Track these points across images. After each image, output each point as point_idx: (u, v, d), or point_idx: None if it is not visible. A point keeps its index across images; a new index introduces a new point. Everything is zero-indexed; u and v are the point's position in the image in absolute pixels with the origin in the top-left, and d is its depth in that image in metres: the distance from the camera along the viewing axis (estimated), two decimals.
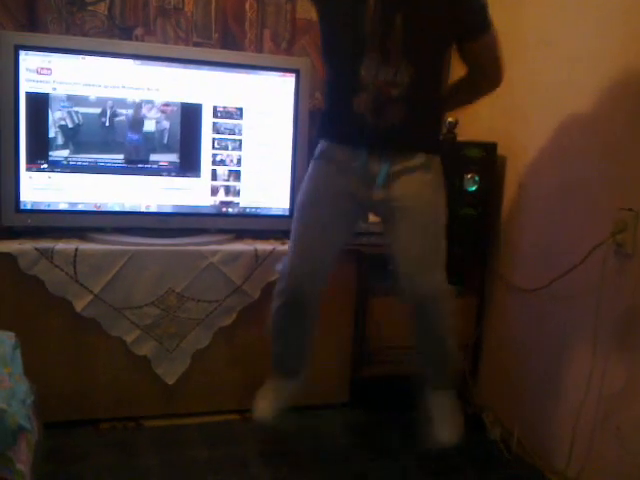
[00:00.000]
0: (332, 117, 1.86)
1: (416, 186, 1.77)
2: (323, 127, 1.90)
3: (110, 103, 2.14)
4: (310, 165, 1.88)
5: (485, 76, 1.86)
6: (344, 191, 1.79)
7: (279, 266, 1.96)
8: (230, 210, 2.33)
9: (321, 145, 1.85)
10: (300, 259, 1.86)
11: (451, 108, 2.05)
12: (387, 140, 1.73)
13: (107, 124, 2.15)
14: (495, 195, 2.38)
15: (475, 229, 2.37)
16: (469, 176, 2.32)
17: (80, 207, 2.18)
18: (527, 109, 2.20)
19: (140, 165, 2.20)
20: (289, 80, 2.30)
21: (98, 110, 2.13)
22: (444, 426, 1.91)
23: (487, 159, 2.33)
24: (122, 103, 2.15)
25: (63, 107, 2.10)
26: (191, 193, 2.27)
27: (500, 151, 2.34)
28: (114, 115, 2.15)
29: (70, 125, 2.11)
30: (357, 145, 1.75)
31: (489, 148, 2.33)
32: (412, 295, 1.82)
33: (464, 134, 2.41)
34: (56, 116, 2.09)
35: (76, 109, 2.11)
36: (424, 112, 1.78)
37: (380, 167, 1.74)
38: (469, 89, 1.94)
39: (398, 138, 1.73)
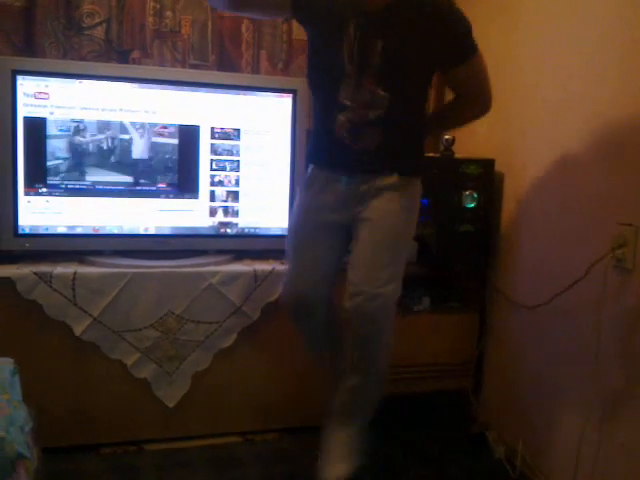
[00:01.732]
0: (316, 140, 1.93)
1: (383, 203, 1.79)
2: (309, 150, 1.97)
3: (108, 126, 2.14)
4: (298, 190, 1.97)
5: (472, 101, 1.88)
6: (326, 207, 1.85)
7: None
8: (229, 231, 2.33)
9: (309, 171, 1.92)
10: (295, 273, 1.94)
11: (438, 132, 2.09)
12: (362, 162, 1.77)
13: (105, 147, 2.15)
14: (494, 211, 2.38)
15: (474, 246, 2.37)
16: (467, 193, 2.33)
17: (78, 230, 2.17)
18: (524, 125, 2.20)
19: (138, 187, 2.20)
20: (286, 100, 2.31)
21: (96, 133, 2.13)
22: (338, 464, 1.86)
23: (485, 176, 2.34)
24: (120, 126, 2.15)
25: (61, 131, 2.10)
26: (190, 214, 2.27)
27: (498, 167, 2.35)
28: (112, 138, 2.15)
29: (68, 149, 2.11)
30: (336, 168, 1.82)
31: (487, 165, 2.34)
32: (355, 306, 1.75)
33: (461, 151, 2.42)
34: (54, 140, 2.10)
35: (74, 133, 2.11)
36: (401, 135, 1.80)
37: (355, 187, 1.80)
38: (457, 114, 1.97)
39: (373, 159, 1.78)
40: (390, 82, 1.69)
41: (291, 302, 1.96)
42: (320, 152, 1.90)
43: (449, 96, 1.99)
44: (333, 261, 1.92)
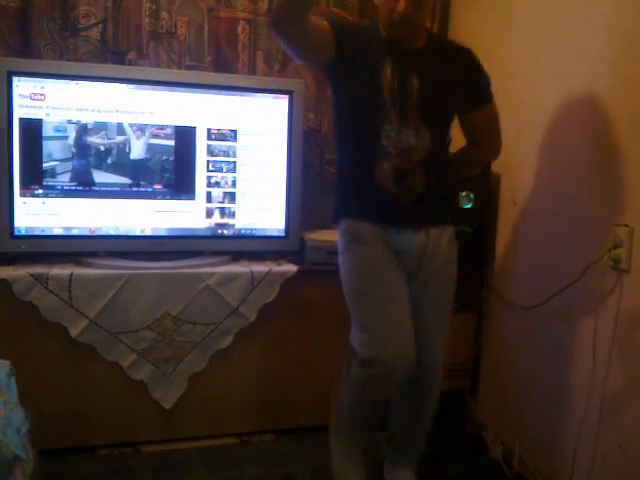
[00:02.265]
0: (353, 194, 1.83)
1: (440, 262, 1.82)
2: (340, 203, 1.86)
3: (104, 127, 2.14)
4: (344, 254, 1.82)
5: (484, 145, 1.96)
6: (385, 257, 1.77)
7: (355, 344, 1.79)
8: (225, 232, 2.32)
9: (345, 225, 1.82)
10: (385, 324, 1.74)
11: (455, 179, 2.02)
12: (409, 212, 1.76)
13: (101, 148, 2.15)
14: (490, 212, 2.38)
15: (471, 246, 2.36)
16: (464, 194, 2.33)
17: (75, 232, 2.17)
18: (520, 126, 2.20)
19: (135, 188, 2.19)
20: (282, 101, 2.31)
21: (92, 135, 2.13)
22: None
23: (481, 177, 2.34)
24: (116, 127, 2.15)
25: (57, 132, 2.10)
26: (186, 215, 2.27)
27: (494, 168, 2.35)
28: (108, 139, 2.15)
29: (64, 150, 2.11)
30: (385, 221, 1.77)
31: (483, 165, 2.33)
32: (421, 363, 1.80)
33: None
34: (49, 141, 2.09)
35: (69, 134, 2.11)
36: (443, 179, 1.84)
37: (407, 239, 1.78)
38: (470, 158, 2.02)
39: (419, 209, 1.77)
40: (430, 120, 1.72)
41: (384, 358, 1.71)
42: (361, 206, 1.80)
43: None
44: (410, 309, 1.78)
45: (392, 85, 1.69)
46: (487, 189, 2.36)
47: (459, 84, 1.78)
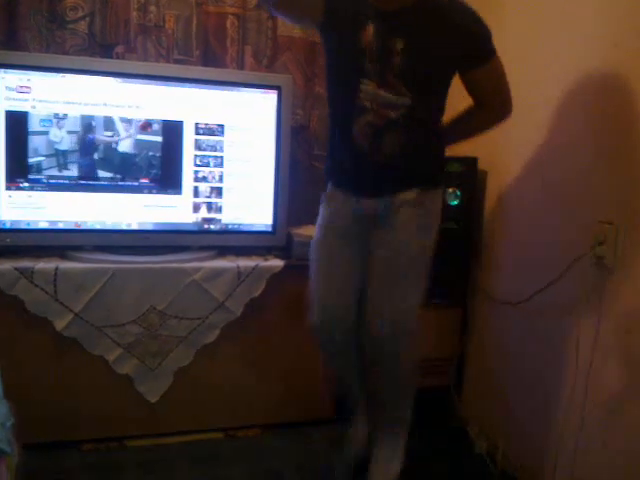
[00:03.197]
0: (333, 156, 1.90)
1: (399, 230, 1.78)
2: (326, 167, 1.95)
3: (90, 121, 2.13)
4: (320, 209, 1.95)
5: (490, 106, 1.86)
6: (345, 225, 1.86)
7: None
8: (212, 227, 2.32)
9: (327, 188, 1.92)
10: (323, 293, 1.91)
11: (456, 140, 1.99)
12: (381, 178, 1.77)
13: (87, 142, 2.14)
14: (477, 209, 2.39)
15: (457, 243, 2.38)
16: (450, 190, 2.34)
17: (60, 225, 2.16)
18: (508, 124, 2.20)
19: (121, 183, 2.19)
20: (271, 97, 2.31)
21: (78, 128, 2.12)
22: (380, 471, 1.96)
23: (468, 174, 2.35)
24: (103, 121, 2.14)
25: (43, 125, 2.08)
26: (173, 210, 2.26)
27: (481, 165, 2.36)
28: (95, 133, 2.14)
29: (50, 143, 2.10)
30: (354, 186, 1.82)
31: (470, 163, 2.35)
32: (376, 325, 1.81)
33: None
34: (36, 134, 2.08)
35: (56, 127, 2.10)
36: (423, 141, 1.78)
37: (374, 205, 1.79)
38: (476, 120, 1.92)
39: (394, 173, 1.76)
40: (412, 81, 1.68)
41: (321, 324, 1.93)
42: (338, 170, 1.89)
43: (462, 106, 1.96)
44: (357, 278, 1.88)
45: (372, 45, 1.67)
46: (474, 186, 2.37)
47: (453, 43, 1.67)
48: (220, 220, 2.32)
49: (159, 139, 2.20)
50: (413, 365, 1.92)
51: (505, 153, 2.25)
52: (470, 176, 2.36)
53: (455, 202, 2.35)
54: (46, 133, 2.09)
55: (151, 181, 2.22)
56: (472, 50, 1.72)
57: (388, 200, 1.77)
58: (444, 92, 1.79)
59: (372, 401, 2.02)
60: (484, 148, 2.34)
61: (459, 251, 2.39)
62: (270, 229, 2.36)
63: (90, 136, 2.13)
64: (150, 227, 2.25)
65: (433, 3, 1.67)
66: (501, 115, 1.88)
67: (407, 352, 1.86)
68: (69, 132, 2.11)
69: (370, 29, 1.67)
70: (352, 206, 1.82)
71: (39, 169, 2.10)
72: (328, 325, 1.91)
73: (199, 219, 2.30)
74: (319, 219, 1.94)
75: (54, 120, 2.09)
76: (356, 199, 1.82)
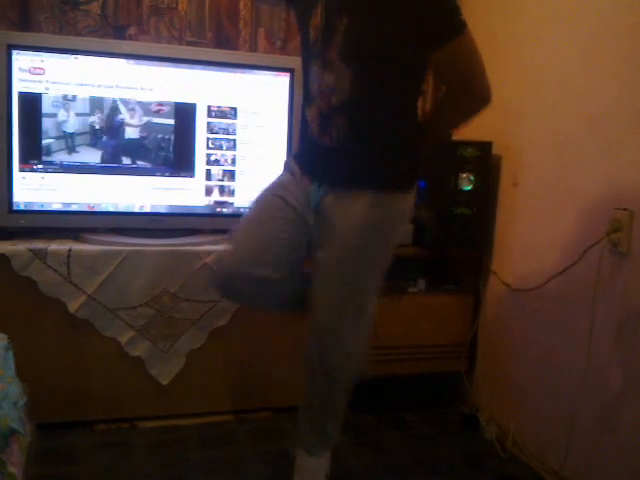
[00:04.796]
0: (300, 134, 1.80)
1: (344, 237, 1.59)
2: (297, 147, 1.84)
3: (103, 103, 2.13)
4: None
5: (465, 90, 1.59)
6: (292, 198, 1.68)
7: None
8: (224, 210, 2.32)
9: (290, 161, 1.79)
10: (240, 245, 1.71)
11: (436, 136, 1.77)
12: (329, 164, 1.62)
13: (100, 124, 2.14)
14: (490, 194, 2.38)
15: (470, 228, 2.36)
16: (464, 175, 2.32)
17: (74, 207, 2.17)
18: (522, 107, 2.19)
19: (134, 165, 2.19)
20: (283, 79, 2.30)
21: (91, 110, 2.12)
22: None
23: (482, 158, 2.33)
24: (115, 103, 2.14)
25: (56, 107, 2.08)
26: (185, 193, 2.26)
27: (495, 150, 2.34)
28: (107, 115, 2.14)
29: (63, 125, 2.10)
30: (307, 169, 1.68)
31: (484, 147, 2.33)
32: (322, 353, 1.69)
33: (459, 133, 2.40)
34: (49, 116, 2.08)
35: (69, 109, 2.10)
36: (374, 132, 1.58)
37: (318, 192, 1.64)
38: (451, 108, 1.68)
39: (340, 163, 1.60)
40: (356, 62, 1.50)
41: (224, 271, 1.72)
42: (299, 148, 1.80)
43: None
44: (284, 249, 1.68)
45: (320, 24, 1.54)
46: (487, 171, 2.35)
47: (410, 19, 1.43)
48: (232, 203, 2.32)
49: (172, 122, 2.20)
50: (348, 382, 1.75)
51: (519, 137, 2.23)
52: (484, 161, 2.33)
53: (469, 187, 2.33)
54: (59, 115, 2.09)
55: (164, 164, 2.22)
56: (433, 26, 1.45)
57: (336, 197, 1.60)
58: (407, 77, 1.57)
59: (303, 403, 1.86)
60: (498, 132, 2.32)
61: (472, 236, 2.38)
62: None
63: (103, 118, 2.13)
64: (163, 210, 2.25)
65: None
66: (479, 100, 1.60)
67: (349, 372, 1.72)
68: (82, 114, 2.11)
69: (319, 7, 1.54)
70: (304, 187, 1.67)
71: (52, 151, 2.10)
72: (237, 266, 1.67)
73: (211, 202, 2.30)
74: (274, 179, 1.77)
75: (67, 102, 2.09)
76: (310, 182, 1.65)
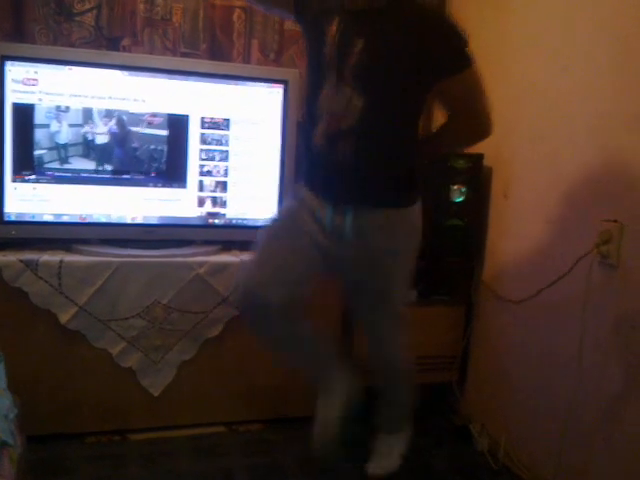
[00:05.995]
0: (304, 155, 1.79)
1: (368, 257, 1.70)
2: (301, 169, 1.83)
3: (96, 114, 2.13)
4: (289, 199, 1.84)
5: (467, 120, 1.67)
6: (311, 228, 1.70)
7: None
8: (217, 221, 2.32)
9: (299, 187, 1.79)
10: (262, 270, 1.71)
11: (432, 156, 1.90)
12: (341, 183, 1.64)
13: (93, 135, 2.14)
14: (481, 206, 2.39)
15: (462, 240, 2.38)
16: (455, 187, 2.33)
17: (65, 218, 2.16)
18: (513, 120, 2.21)
19: (126, 176, 2.19)
20: (277, 91, 2.31)
21: (85, 121, 2.12)
22: (382, 460, 2.01)
23: (473, 170, 2.34)
24: (109, 114, 2.14)
25: (49, 118, 2.09)
26: (178, 204, 2.27)
27: (486, 162, 2.36)
28: (100, 126, 2.14)
29: (56, 136, 2.10)
30: (320, 193, 1.69)
31: (475, 159, 2.34)
32: (379, 364, 1.97)
33: None
34: (42, 127, 2.08)
35: (62, 120, 2.10)
36: (385, 151, 1.63)
37: (338, 221, 1.66)
38: (451, 137, 1.76)
39: (353, 182, 1.64)
40: (369, 87, 1.55)
41: (251, 298, 1.71)
42: (308, 172, 1.77)
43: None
44: (302, 276, 1.71)
45: (334, 44, 1.56)
46: (478, 182, 2.37)
47: (423, 50, 1.52)
48: (225, 214, 2.32)
49: (165, 133, 2.20)
50: (410, 369, 2.00)
51: (510, 149, 2.24)
52: (475, 173, 2.35)
53: (460, 199, 2.34)
54: (52, 126, 2.09)
55: (156, 175, 2.22)
56: (445, 58, 1.56)
57: (355, 219, 1.64)
58: (414, 105, 1.65)
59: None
60: (489, 144, 2.32)
61: (463, 248, 2.39)
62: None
63: (96, 129, 2.13)
64: (155, 221, 2.25)
65: (410, 6, 1.56)
66: (480, 130, 1.69)
67: (405, 372, 1.98)
68: (75, 125, 2.11)
69: (334, 27, 1.57)
70: (322, 213, 1.68)
71: (44, 162, 2.10)
72: (263, 291, 1.66)
73: (204, 213, 2.30)
74: (287, 203, 1.84)
75: (60, 113, 2.09)
76: (325, 208, 1.68)
